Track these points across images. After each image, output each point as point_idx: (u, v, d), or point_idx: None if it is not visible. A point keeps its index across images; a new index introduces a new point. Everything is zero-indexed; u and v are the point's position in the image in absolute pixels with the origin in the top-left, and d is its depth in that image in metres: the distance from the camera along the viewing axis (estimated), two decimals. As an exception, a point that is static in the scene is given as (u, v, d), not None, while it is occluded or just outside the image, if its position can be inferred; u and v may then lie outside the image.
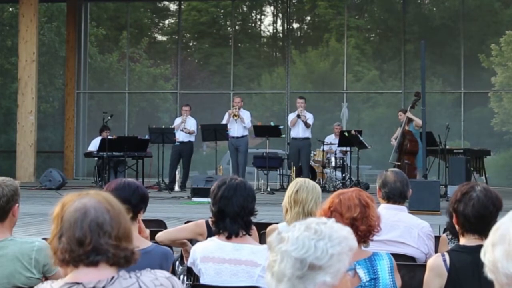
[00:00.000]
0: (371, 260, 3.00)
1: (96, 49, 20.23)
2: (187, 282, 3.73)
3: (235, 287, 3.22)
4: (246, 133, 13.78)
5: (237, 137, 13.63)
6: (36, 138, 15.34)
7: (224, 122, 13.69)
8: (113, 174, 13.73)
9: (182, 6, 20.16)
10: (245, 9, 21.48)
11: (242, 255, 3.27)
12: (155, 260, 3.17)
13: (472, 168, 12.83)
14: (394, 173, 4.19)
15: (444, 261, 3.04)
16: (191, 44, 21.66)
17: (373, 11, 20.14)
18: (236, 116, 13.55)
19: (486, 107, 17.81)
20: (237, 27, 20.40)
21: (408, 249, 4.02)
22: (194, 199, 11.35)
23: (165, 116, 19.45)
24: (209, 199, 3.49)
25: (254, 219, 3.49)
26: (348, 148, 13.73)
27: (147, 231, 3.70)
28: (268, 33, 21.57)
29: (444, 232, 4.20)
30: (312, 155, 14.01)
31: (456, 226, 3.15)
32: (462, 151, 13.30)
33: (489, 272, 1.57)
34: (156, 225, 5.04)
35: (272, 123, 14.24)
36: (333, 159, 13.82)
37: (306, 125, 13.56)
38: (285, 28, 19.95)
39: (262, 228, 4.62)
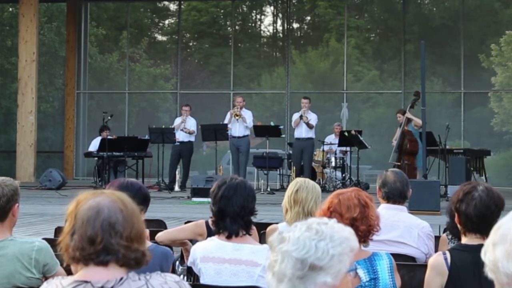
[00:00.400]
0: (370, 260, 3.00)
1: (96, 49, 20.23)
2: (187, 282, 3.73)
3: (235, 287, 3.22)
4: (247, 133, 13.76)
5: (239, 137, 13.62)
6: (36, 138, 15.34)
7: (226, 122, 13.67)
8: (113, 174, 13.73)
9: (182, 6, 20.17)
10: (245, 9, 21.48)
11: (242, 255, 3.27)
12: (155, 260, 3.15)
13: (472, 168, 12.83)
14: (394, 173, 4.19)
15: (445, 259, 3.04)
16: (191, 44, 21.67)
17: (373, 11, 20.14)
18: (237, 115, 13.53)
19: (486, 107, 17.81)
20: (237, 27, 20.41)
21: (408, 249, 4.02)
22: (194, 199, 11.35)
23: (165, 116, 19.45)
24: (209, 199, 3.49)
25: (254, 219, 3.49)
26: (348, 148, 13.74)
27: (147, 231, 3.69)
28: (268, 33, 21.58)
29: (444, 232, 4.20)
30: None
31: (458, 226, 3.15)
32: (462, 151, 13.30)
33: (489, 272, 1.57)
34: (156, 225, 5.04)
35: (272, 123, 14.24)
36: (333, 159, 13.82)
37: (309, 126, 13.55)
38: (285, 28, 19.96)
39: (262, 228, 4.61)
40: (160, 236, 4.13)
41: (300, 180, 4.06)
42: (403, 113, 12.89)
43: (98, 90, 19.59)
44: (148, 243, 3.34)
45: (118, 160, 13.94)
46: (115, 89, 19.55)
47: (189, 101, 15.52)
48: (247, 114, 13.73)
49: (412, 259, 4.00)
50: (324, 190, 12.57)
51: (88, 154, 14.37)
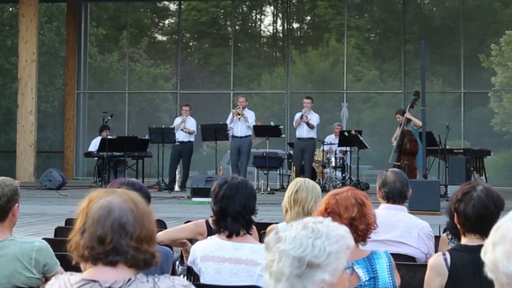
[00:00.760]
0: (370, 259, 2.99)
1: (96, 49, 20.23)
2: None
3: (235, 287, 3.21)
4: (249, 133, 13.73)
5: (240, 137, 13.60)
6: (36, 138, 15.34)
7: (228, 121, 13.66)
8: (113, 174, 13.74)
9: (182, 6, 20.17)
10: (245, 9, 21.48)
11: (242, 254, 3.27)
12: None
13: (472, 168, 12.83)
14: (394, 173, 4.19)
15: (445, 260, 3.04)
16: (191, 44, 21.67)
17: (373, 11, 20.14)
18: (239, 115, 13.51)
19: (486, 107, 17.81)
20: (237, 27, 20.41)
21: (408, 249, 4.02)
22: (194, 199, 11.35)
23: (165, 116, 19.45)
24: (209, 199, 3.49)
25: (254, 219, 3.49)
26: (348, 148, 13.73)
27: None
28: (268, 33, 21.59)
29: (444, 232, 4.20)
30: (312, 155, 14.02)
31: (458, 226, 3.15)
32: (462, 151, 13.30)
33: (489, 272, 1.57)
34: (156, 225, 5.02)
35: (272, 123, 14.23)
36: (333, 159, 13.82)
37: (309, 125, 13.55)
38: (285, 28, 19.96)
39: (262, 228, 4.61)
40: (160, 236, 4.13)
41: (300, 180, 4.06)
42: (402, 113, 12.89)
43: (98, 90, 19.59)
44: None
45: (118, 160, 13.95)
46: (115, 89, 19.55)
47: (189, 101, 15.52)
48: (250, 114, 13.71)
49: (412, 259, 4.00)
50: (324, 190, 12.55)
51: (88, 154, 14.37)
